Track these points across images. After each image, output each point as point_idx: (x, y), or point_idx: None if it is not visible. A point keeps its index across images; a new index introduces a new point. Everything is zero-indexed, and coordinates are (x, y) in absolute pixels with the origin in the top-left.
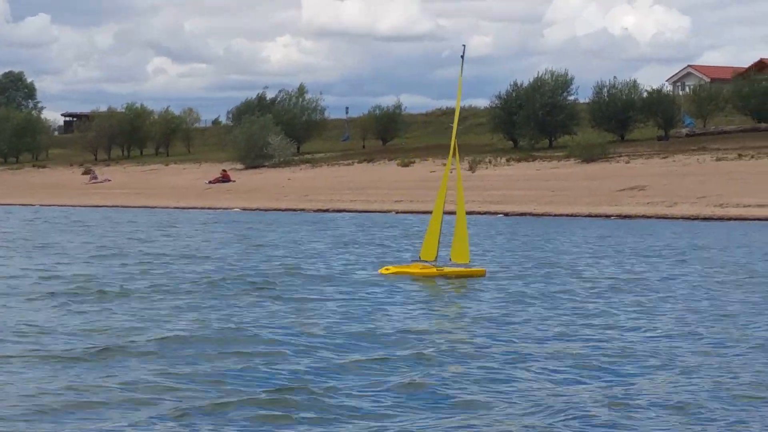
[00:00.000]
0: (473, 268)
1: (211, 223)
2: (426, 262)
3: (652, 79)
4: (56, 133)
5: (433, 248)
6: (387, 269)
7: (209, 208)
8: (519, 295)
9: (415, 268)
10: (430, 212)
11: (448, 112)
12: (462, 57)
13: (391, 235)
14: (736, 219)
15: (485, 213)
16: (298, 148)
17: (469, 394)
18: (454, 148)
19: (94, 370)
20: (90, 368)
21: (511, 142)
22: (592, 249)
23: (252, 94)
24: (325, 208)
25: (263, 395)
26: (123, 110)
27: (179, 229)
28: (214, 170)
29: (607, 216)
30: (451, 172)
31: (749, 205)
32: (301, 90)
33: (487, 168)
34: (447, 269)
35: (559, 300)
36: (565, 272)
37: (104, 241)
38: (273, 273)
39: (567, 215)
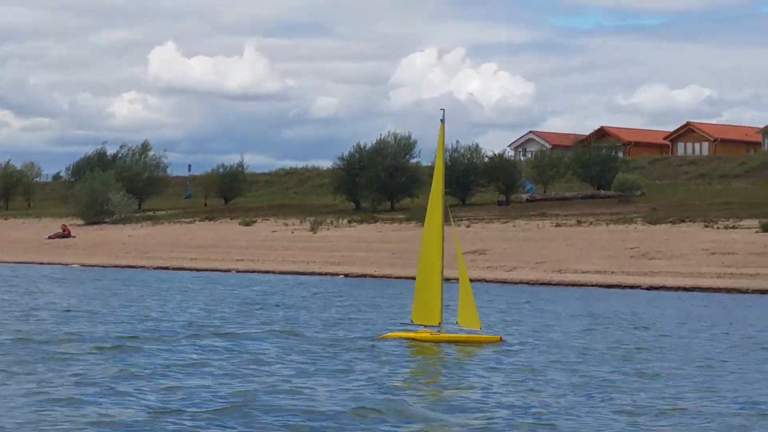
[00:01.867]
0: (487, 335)
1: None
2: (430, 327)
3: (496, 143)
4: None
5: (436, 311)
6: (387, 335)
7: (48, 263)
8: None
9: (424, 334)
10: (270, 272)
11: (291, 173)
12: (442, 120)
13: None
14: (573, 285)
15: (326, 274)
16: (140, 205)
17: None
18: (446, 207)
19: None
20: None
21: (353, 204)
22: None
23: (95, 150)
24: (165, 265)
25: None
26: None
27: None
28: (55, 225)
29: (447, 279)
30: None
31: (587, 271)
32: (145, 146)
33: (329, 229)
34: (457, 336)
35: None
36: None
37: None
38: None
39: (407, 278)
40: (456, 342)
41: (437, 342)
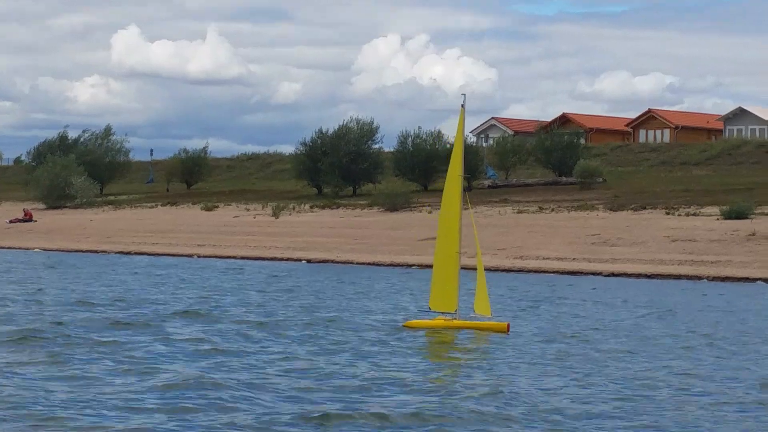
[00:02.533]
0: (495, 322)
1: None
2: (446, 314)
3: None
4: None
5: (453, 298)
6: (411, 323)
7: (8, 248)
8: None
9: (439, 321)
10: (232, 257)
11: (253, 158)
12: (462, 105)
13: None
14: (535, 271)
15: (288, 259)
16: (102, 190)
17: None
18: (463, 193)
19: None
20: None
21: (315, 189)
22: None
23: (57, 134)
24: (127, 250)
25: None
26: None
27: None
28: (16, 209)
29: (409, 265)
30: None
31: (548, 258)
32: (107, 131)
33: (290, 214)
34: (469, 323)
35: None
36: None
37: None
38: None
39: (369, 263)
40: (468, 328)
41: (452, 329)
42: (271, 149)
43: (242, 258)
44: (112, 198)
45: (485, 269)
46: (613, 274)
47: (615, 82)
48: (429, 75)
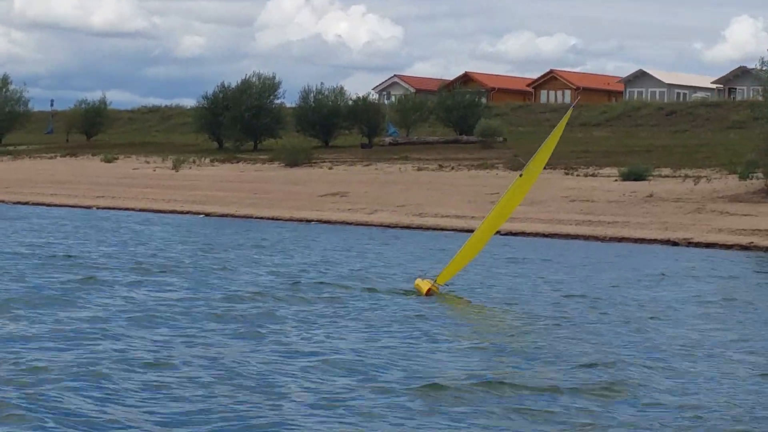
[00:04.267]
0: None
1: None
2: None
3: (362, 87)
4: None
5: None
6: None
7: None
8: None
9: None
10: (131, 209)
11: (154, 111)
12: (573, 106)
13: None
14: (433, 229)
15: (187, 212)
16: (0, 140)
17: None
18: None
19: None
20: None
21: (216, 143)
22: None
23: None
24: (25, 200)
25: None
26: None
27: None
28: None
29: (308, 220)
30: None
31: (448, 216)
32: (5, 81)
33: (190, 168)
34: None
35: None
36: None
37: None
38: None
39: (268, 218)
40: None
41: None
42: (173, 102)
43: (141, 210)
44: (10, 148)
45: (387, 225)
46: (510, 233)
47: (518, 42)
48: (334, 31)
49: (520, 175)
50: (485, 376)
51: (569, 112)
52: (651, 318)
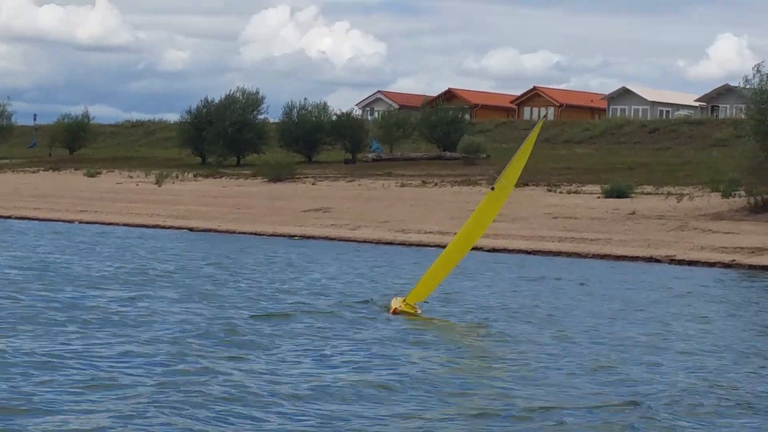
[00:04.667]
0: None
1: None
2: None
3: (345, 103)
4: None
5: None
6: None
7: None
8: None
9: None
10: (114, 224)
11: (138, 125)
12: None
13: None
14: (416, 245)
15: (170, 227)
16: None
17: None
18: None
19: None
20: None
21: (199, 158)
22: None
23: None
24: (8, 214)
25: None
26: None
27: None
28: None
29: (291, 236)
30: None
31: (431, 232)
32: None
33: (173, 183)
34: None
35: None
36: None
37: None
38: None
39: (251, 233)
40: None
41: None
42: (157, 117)
43: (124, 225)
44: None
45: (370, 241)
46: (494, 250)
47: (502, 59)
48: (317, 47)
49: (492, 189)
50: None
51: (540, 123)
52: None
